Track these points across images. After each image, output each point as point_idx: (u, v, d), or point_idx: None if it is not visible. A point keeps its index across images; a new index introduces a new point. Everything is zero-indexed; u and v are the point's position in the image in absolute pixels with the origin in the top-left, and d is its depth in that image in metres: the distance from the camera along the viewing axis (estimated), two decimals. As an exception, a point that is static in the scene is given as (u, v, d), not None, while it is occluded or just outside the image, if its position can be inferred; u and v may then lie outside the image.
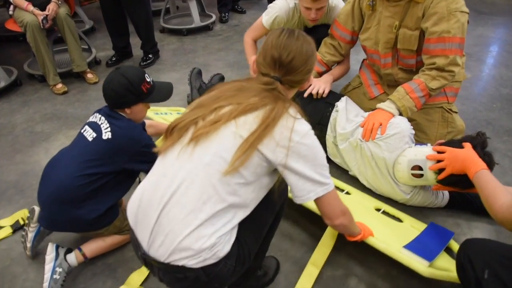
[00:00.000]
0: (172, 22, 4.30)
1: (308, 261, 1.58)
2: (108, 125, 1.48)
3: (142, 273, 1.57)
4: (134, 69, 1.54)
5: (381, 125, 1.75)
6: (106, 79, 1.52)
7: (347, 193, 1.91)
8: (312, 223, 1.76)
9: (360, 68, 2.25)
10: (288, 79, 1.13)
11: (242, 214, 1.09)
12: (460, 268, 1.20)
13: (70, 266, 1.52)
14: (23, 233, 1.63)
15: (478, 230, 1.75)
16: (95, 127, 1.50)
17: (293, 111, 1.07)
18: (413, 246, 1.49)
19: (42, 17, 2.76)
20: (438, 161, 1.56)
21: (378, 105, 1.83)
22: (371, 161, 1.80)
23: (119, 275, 1.59)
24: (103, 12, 3.25)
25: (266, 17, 2.27)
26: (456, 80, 1.90)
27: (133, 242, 1.14)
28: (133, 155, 1.48)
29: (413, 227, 1.72)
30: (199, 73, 2.74)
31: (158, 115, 2.30)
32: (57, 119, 2.68)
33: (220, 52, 3.64)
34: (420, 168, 1.65)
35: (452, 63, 1.71)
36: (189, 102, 2.64)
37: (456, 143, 1.55)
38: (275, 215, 1.27)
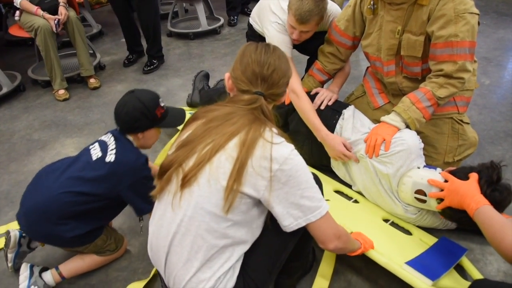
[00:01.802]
0: (179, 26, 4.23)
1: (316, 273, 1.51)
2: (114, 147, 1.43)
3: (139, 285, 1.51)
4: (149, 93, 1.50)
5: (384, 140, 1.62)
6: (119, 102, 1.46)
7: (356, 201, 1.82)
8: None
9: (364, 76, 2.10)
10: (271, 93, 1.10)
11: (241, 249, 1.08)
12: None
13: (46, 284, 1.47)
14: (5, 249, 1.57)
15: (493, 257, 1.59)
16: (104, 146, 1.45)
17: (269, 134, 1.02)
18: (416, 263, 1.40)
19: (55, 20, 2.74)
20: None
21: (382, 118, 1.70)
22: (374, 178, 1.68)
23: (101, 297, 1.51)
24: (117, 15, 3.27)
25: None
26: (467, 88, 1.74)
27: (158, 274, 1.26)
28: (132, 183, 1.42)
29: (422, 241, 1.62)
30: (206, 76, 2.66)
31: None
32: (55, 126, 2.64)
33: (226, 57, 3.55)
34: (425, 194, 1.51)
35: (461, 69, 1.56)
36: (188, 103, 2.56)
37: (464, 173, 1.40)
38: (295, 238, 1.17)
